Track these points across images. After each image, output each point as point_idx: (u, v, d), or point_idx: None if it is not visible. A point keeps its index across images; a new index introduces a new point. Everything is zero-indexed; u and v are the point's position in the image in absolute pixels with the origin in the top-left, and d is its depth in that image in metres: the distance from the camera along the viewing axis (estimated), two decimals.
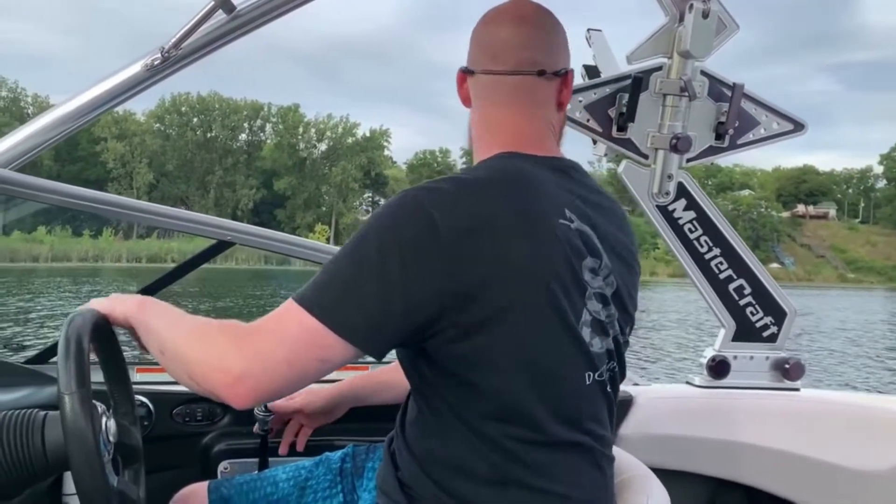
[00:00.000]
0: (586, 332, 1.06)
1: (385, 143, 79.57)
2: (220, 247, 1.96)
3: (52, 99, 70.48)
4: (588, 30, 1.96)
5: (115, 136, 65.52)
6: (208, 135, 72.49)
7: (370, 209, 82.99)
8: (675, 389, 2.07)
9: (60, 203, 1.73)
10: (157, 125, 71.34)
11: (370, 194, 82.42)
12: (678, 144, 1.88)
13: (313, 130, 76.59)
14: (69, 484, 1.33)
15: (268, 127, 77.28)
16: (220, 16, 1.62)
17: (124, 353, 1.25)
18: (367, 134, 78.66)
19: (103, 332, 1.19)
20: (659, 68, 1.88)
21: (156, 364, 2.02)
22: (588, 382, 1.07)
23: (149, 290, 1.98)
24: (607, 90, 1.89)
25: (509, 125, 1.17)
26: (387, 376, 1.57)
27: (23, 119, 63.59)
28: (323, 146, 76.38)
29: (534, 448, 1.04)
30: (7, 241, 41.11)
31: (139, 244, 51.32)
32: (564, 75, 1.18)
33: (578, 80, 1.92)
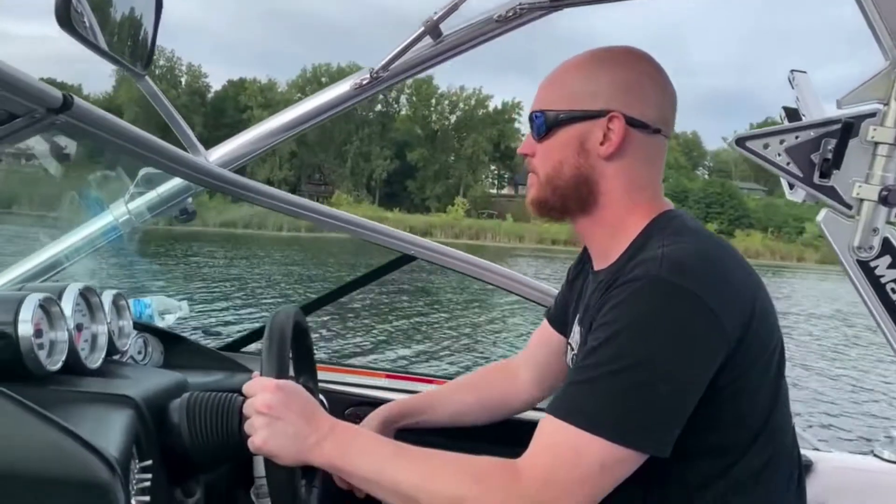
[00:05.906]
0: None
1: (516, 116, 78.55)
2: (403, 260, 2.07)
3: (203, 68, 75.14)
4: (791, 71, 1.84)
5: (261, 104, 68.66)
6: None
7: (496, 182, 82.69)
8: (859, 461, 1.89)
9: (266, 204, 1.89)
10: (299, 95, 74.13)
11: (495, 168, 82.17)
12: (888, 197, 1.74)
13: (446, 102, 77.21)
14: (260, 466, 1.38)
15: (402, 98, 78.71)
16: (427, 40, 1.66)
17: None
18: (499, 106, 78.37)
19: (301, 329, 1.28)
20: (872, 114, 1.74)
21: (333, 363, 2.16)
22: None
23: (336, 294, 2.17)
24: (811, 134, 1.77)
25: (659, 187, 1.19)
26: (433, 397, 1.56)
27: (177, 86, 68.43)
28: (454, 118, 76.85)
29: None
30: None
31: None
32: None
33: (778, 121, 1.83)
